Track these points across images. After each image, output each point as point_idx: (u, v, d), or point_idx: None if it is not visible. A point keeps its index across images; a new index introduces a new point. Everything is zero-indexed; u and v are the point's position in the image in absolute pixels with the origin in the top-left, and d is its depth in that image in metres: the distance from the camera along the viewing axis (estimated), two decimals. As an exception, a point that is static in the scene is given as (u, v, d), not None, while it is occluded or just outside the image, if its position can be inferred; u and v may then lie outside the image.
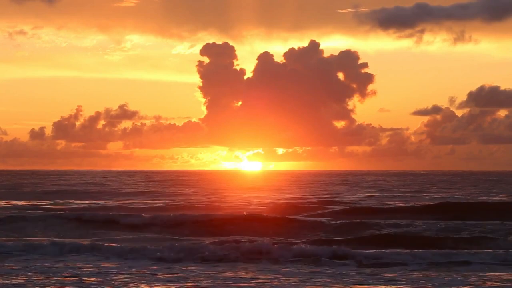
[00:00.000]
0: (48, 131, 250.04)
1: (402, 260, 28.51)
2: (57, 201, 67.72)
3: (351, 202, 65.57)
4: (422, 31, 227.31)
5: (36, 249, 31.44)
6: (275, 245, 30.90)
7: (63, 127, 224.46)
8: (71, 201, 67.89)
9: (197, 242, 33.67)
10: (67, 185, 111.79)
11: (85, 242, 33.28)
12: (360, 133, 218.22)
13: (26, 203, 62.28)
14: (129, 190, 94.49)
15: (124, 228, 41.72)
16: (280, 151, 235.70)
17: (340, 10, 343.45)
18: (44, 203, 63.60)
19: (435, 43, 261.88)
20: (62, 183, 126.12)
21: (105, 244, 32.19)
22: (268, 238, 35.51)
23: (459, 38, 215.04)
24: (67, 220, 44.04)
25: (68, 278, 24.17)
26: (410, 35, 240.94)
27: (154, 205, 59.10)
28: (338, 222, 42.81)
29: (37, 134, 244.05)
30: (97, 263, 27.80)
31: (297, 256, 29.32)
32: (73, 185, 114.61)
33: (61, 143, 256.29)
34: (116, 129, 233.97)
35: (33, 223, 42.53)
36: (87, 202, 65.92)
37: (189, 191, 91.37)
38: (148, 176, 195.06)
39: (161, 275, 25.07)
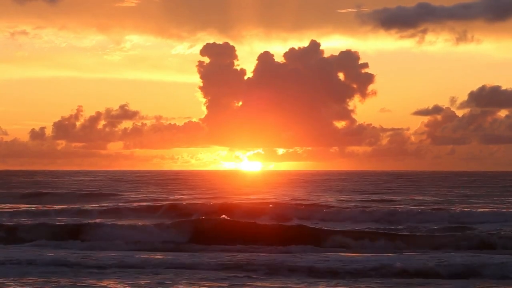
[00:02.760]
0: (49, 131, 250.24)
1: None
2: None
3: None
4: (424, 31, 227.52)
5: None
6: None
7: (63, 127, 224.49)
8: None
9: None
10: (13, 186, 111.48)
11: None
12: (361, 133, 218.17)
13: None
14: (70, 191, 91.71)
15: None
16: (281, 151, 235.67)
17: (340, 10, 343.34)
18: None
19: (437, 43, 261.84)
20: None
21: None
22: None
23: (461, 38, 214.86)
24: None
25: None
26: (412, 35, 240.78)
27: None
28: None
29: (37, 134, 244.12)
30: None
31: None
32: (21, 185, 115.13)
33: (62, 143, 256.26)
34: (116, 129, 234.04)
35: None
36: None
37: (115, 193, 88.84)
38: (126, 175, 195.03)
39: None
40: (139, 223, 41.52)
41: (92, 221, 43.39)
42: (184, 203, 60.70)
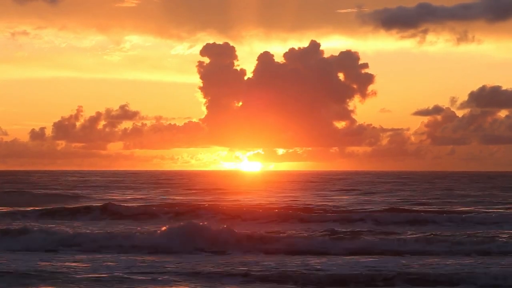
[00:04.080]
0: (49, 132, 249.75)
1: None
2: None
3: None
4: (425, 31, 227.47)
5: None
6: None
7: (63, 128, 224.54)
8: None
9: None
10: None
11: None
12: (361, 134, 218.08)
13: None
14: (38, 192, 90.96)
15: None
16: (281, 151, 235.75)
17: (340, 10, 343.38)
18: None
19: (438, 43, 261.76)
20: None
21: None
22: None
23: (462, 38, 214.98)
24: None
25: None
26: (413, 35, 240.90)
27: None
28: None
29: (37, 135, 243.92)
30: None
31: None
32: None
33: (61, 144, 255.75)
34: (116, 129, 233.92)
35: None
36: None
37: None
38: (120, 176, 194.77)
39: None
40: None
41: None
42: (117, 204, 58.48)
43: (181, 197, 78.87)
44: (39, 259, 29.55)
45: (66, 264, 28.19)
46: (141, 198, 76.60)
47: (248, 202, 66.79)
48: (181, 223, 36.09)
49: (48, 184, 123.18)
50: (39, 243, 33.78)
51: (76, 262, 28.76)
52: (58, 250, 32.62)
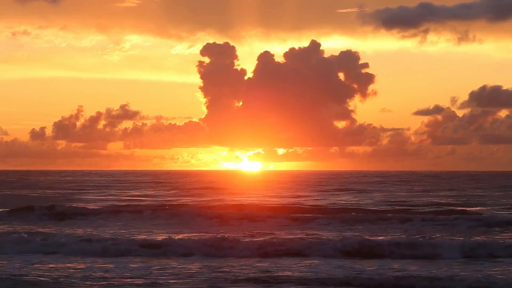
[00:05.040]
0: (49, 131, 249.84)
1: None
2: None
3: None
4: (426, 31, 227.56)
5: None
6: None
7: (63, 127, 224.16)
8: None
9: None
10: None
11: None
12: (361, 133, 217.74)
13: None
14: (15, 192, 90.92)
15: None
16: (281, 151, 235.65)
17: (340, 10, 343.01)
18: None
19: (439, 43, 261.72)
20: None
21: None
22: None
23: (463, 38, 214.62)
24: None
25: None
26: (414, 35, 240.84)
27: None
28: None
29: (37, 134, 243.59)
30: None
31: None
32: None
33: (62, 143, 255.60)
34: (116, 129, 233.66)
35: None
36: None
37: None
38: (115, 176, 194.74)
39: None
40: None
41: None
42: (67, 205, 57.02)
43: (158, 198, 77.97)
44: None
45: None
46: (111, 198, 76.06)
47: (220, 202, 64.99)
48: None
49: (35, 184, 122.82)
50: None
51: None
52: None
